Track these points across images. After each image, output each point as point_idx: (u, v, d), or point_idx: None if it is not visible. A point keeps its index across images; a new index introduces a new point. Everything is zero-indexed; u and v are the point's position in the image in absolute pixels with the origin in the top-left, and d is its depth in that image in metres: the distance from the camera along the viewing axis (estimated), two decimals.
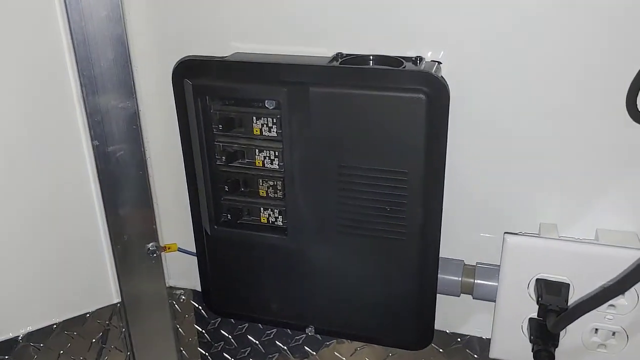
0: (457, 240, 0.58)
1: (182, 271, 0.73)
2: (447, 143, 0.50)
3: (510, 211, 0.56)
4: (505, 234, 0.53)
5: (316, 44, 0.54)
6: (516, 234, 0.54)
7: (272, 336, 0.74)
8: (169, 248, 0.70)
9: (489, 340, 0.58)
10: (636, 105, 0.46)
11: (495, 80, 0.51)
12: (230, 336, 0.76)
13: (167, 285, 0.73)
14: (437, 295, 0.57)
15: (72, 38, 0.56)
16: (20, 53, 0.57)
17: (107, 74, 0.59)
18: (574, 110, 0.50)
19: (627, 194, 0.52)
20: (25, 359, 0.69)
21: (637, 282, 0.38)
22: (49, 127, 0.61)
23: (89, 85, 0.59)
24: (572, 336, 0.54)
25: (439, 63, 0.51)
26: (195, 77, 0.52)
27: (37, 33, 0.57)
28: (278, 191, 0.55)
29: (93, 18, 0.56)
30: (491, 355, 0.57)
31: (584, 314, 0.45)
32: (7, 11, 0.55)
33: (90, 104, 0.60)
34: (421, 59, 0.51)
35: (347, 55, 0.52)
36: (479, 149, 0.54)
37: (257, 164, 0.54)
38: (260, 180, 0.55)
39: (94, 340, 0.73)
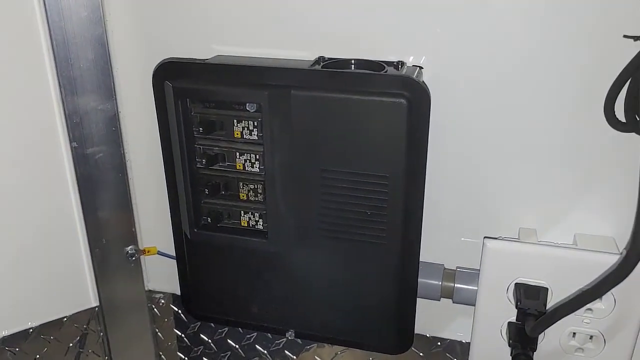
0: (437, 245, 0.59)
1: (161, 275, 0.72)
2: (428, 148, 0.51)
3: (490, 216, 0.57)
4: (485, 239, 0.53)
5: (298, 48, 0.54)
6: (496, 238, 0.54)
7: (252, 340, 0.73)
8: (148, 251, 0.69)
9: (469, 344, 0.58)
10: (614, 111, 0.46)
11: (475, 85, 0.52)
12: (210, 340, 0.75)
13: (146, 289, 0.72)
14: (418, 299, 0.58)
15: (51, 38, 0.56)
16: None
17: (86, 75, 0.59)
18: (555, 117, 0.51)
19: (605, 200, 0.53)
20: None
21: (613, 287, 0.39)
22: (27, 127, 0.60)
23: (68, 86, 0.59)
24: (550, 340, 0.54)
25: (421, 68, 0.52)
26: (176, 79, 0.52)
27: (16, 33, 0.57)
28: (259, 195, 0.55)
29: (73, 18, 0.55)
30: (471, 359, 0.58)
31: (561, 317, 0.45)
32: None
33: (70, 105, 0.60)
34: (403, 63, 0.51)
35: (329, 59, 0.52)
36: (460, 154, 0.55)
37: (237, 167, 0.54)
38: (241, 184, 0.55)
39: (71, 344, 0.72)
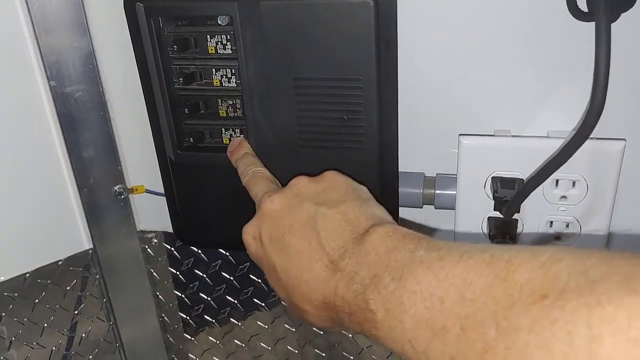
0: (415, 154, 0.60)
1: (151, 214, 0.73)
2: (399, 49, 0.52)
3: (465, 121, 0.58)
4: (460, 136, 0.55)
5: None
6: (471, 134, 0.56)
7: (245, 270, 0.75)
8: (136, 190, 0.70)
9: None
10: (576, 2, 0.48)
11: None
12: (204, 275, 0.77)
13: (137, 229, 0.73)
14: (400, 208, 0.59)
15: None
16: None
17: (58, 11, 0.59)
18: (523, 12, 0.52)
19: (574, 94, 0.54)
20: (1, 309, 0.69)
21: (578, 147, 0.40)
22: (4, 69, 0.61)
23: (41, 25, 0.59)
24: (528, 230, 0.56)
25: None
26: None
27: None
28: (237, 110, 0.56)
29: None
30: None
31: (532, 190, 0.47)
32: None
33: (44, 44, 0.60)
34: None
35: None
36: (430, 59, 0.56)
37: (215, 84, 0.55)
38: (219, 100, 0.56)
39: (68, 287, 0.73)
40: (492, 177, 0.55)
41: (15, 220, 0.67)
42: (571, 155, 0.41)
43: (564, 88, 0.55)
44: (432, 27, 0.55)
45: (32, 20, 0.59)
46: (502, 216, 0.54)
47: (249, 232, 0.47)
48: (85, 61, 0.62)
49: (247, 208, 0.59)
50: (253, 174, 0.51)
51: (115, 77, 0.65)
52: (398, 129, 0.55)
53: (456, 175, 0.57)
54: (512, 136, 0.56)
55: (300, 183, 0.46)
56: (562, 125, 0.56)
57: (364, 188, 0.47)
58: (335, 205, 0.43)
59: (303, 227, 0.42)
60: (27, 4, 0.58)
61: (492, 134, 0.57)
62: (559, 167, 0.42)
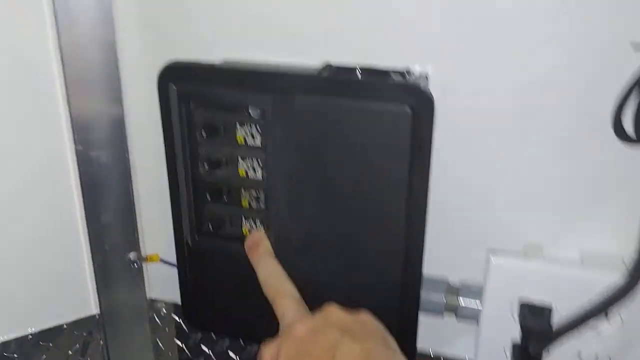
0: (440, 258, 0.57)
1: (163, 283, 0.71)
2: (432, 157, 0.50)
3: (495, 229, 0.55)
4: (490, 253, 0.52)
5: (305, 54, 0.54)
6: (501, 253, 0.53)
7: (253, 354, 0.72)
8: (150, 258, 0.68)
9: None
10: (621, 123, 0.45)
11: (483, 96, 0.51)
12: (210, 352, 0.74)
13: (147, 297, 0.71)
14: (420, 314, 0.56)
15: (59, 39, 0.56)
16: (6, 51, 0.57)
17: (93, 77, 0.59)
18: (562, 130, 0.50)
19: (613, 215, 0.51)
20: None
21: (615, 306, 0.37)
22: (32, 128, 0.60)
23: (74, 87, 0.59)
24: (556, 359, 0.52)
25: (427, 76, 0.51)
26: (180, 81, 0.52)
27: (24, 33, 0.57)
28: (261, 202, 0.54)
29: (82, 19, 0.55)
30: None
31: (564, 336, 0.43)
32: None
33: (75, 107, 0.59)
34: (409, 72, 0.50)
35: (335, 66, 0.52)
36: (464, 165, 0.54)
37: (240, 173, 0.53)
38: (243, 190, 0.54)
39: (70, 352, 0.71)
40: (520, 301, 0.51)
41: (25, 278, 0.65)
42: (608, 312, 0.38)
43: (600, 205, 0.52)
44: (468, 137, 0.53)
45: (65, 82, 0.58)
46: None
47: (269, 352, 0.45)
48: (114, 127, 0.61)
49: (258, 301, 0.57)
50: (281, 290, 0.49)
51: (143, 146, 0.64)
52: (425, 235, 0.52)
53: (481, 286, 0.54)
54: (544, 260, 0.52)
55: (332, 311, 0.45)
56: (598, 245, 0.53)
57: (393, 340, 0.45)
58: (360, 341, 0.41)
59: (322, 354, 0.40)
60: (62, 64, 0.58)
61: (522, 248, 0.54)
62: (594, 321, 0.39)
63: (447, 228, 0.56)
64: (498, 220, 0.54)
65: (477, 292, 0.55)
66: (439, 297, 0.55)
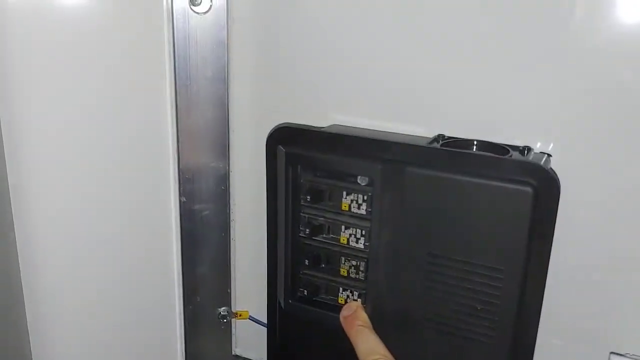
0: (551, 352, 0.52)
1: (250, 341, 0.70)
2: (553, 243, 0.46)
3: (615, 328, 0.50)
4: (612, 355, 0.47)
5: (417, 123, 0.52)
6: (624, 355, 0.47)
7: None
8: (240, 315, 0.68)
9: None
10: None
11: (608, 180, 0.47)
12: None
13: (233, 353, 0.70)
14: None
15: (176, 96, 0.57)
16: (126, 100, 0.59)
17: (204, 133, 0.60)
18: None
19: None
20: None
21: None
22: (142, 178, 0.62)
23: (185, 142, 0.60)
24: None
25: (549, 155, 0.48)
26: (289, 144, 0.51)
27: (144, 86, 0.59)
28: (360, 272, 0.52)
29: (199, 78, 0.57)
30: None
31: None
32: (118, 66, 0.57)
33: (184, 161, 0.61)
34: (529, 149, 0.47)
35: (449, 137, 0.50)
36: (586, 255, 0.49)
37: (341, 241, 0.51)
38: (343, 258, 0.52)
39: None
40: None
41: (117, 322, 0.66)
42: None
43: None
44: (590, 220, 0.48)
45: (178, 137, 0.60)
46: None
47: None
48: (218, 182, 0.62)
49: None
50: None
51: (245, 203, 0.64)
52: (537, 329, 0.48)
53: None
54: None
55: None
56: None
57: None
58: None
59: None
60: (177, 121, 0.59)
61: None
62: None
63: (561, 322, 0.51)
64: (619, 318, 0.49)
65: None
66: None
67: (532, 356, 0.48)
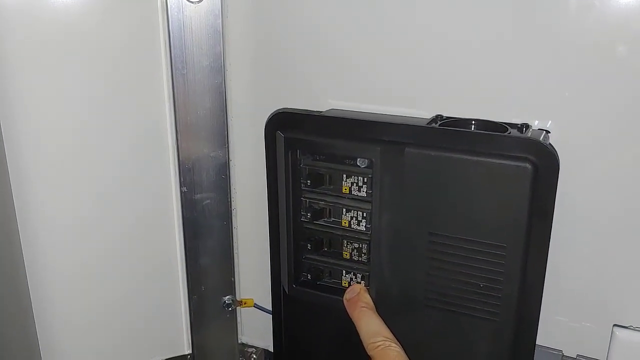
0: (555, 328, 0.52)
1: (255, 328, 0.70)
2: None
3: (619, 301, 0.50)
4: (615, 327, 0.47)
5: (415, 106, 0.52)
6: (627, 327, 0.48)
7: None
8: (245, 303, 0.68)
9: None
10: None
11: (607, 156, 0.47)
12: None
13: (239, 341, 0.71)
14: None
15: (173, 86, 0.57)
16: (123, 92, 0.59)
17: (202, 122, 0.60)
18: None
19: None
20: None
21: None
22: (143, 167, 0.62)
23: (184, 132, 0.60)
24: None
25: (547, 132, 0.48)
26: (287, 129, 0.51)
27: (141, 78, 0.59)
28: (363, 255, 0.52)
29: (195, 67, 0.57)
30: None
31: None
32: (114, 56, 0.57)
33: (184, 151, 0.61)
34: (528, 126, 0.47)
35: (447, 117, 0.50)
36: (587, 228, 0.49)
37: (343, 224, 0.52)
38: (345, 242, 0.52)
39: None
40: None
41: (123, 314, 0.67)
42: None
43: None
44: (591, 196, 0.48)
45: (176, 127, 0.60)
46: None
47: None
48: (219, 171, 0.62)
49: (352, 355, 0.55)
50: (386, 349, 0.46)
51: (245, 191, 0.64)
52: (541, 305, 0.48)
53: None
54: None
55: None
56: None
57: None
58: None
59: None
60: (174, 110, 0.59)
61: None
62: None
63: (564, 297, 0.52)
64: (624, 292, 0.49)
65: None
66: None
67: (536, 333, 0.49)
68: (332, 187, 0.51)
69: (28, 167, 0.57)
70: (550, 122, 0.48)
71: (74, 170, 0.59)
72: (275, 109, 0.54)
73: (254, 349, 0.72)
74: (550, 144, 0.45)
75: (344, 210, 0.51)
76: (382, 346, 0.46)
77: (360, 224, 0.51)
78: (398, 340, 0.48)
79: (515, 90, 0.49)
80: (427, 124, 0.48)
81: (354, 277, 0.53)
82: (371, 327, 0.49)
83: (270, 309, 0.61)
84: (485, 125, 0.48)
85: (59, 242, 0.61)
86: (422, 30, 0.51)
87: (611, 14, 0.44)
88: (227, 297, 0.67)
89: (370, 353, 0.47)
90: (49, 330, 0.64)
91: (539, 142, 0.44)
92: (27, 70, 0.55)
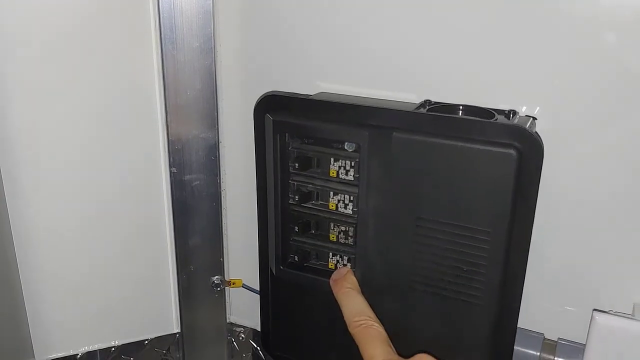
0: (537, 311, 0.53)
1: (244, 308, 0.71)
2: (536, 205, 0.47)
3: (599, 285, 0.51)
4: (594, 312, 0.48)
5: (404, 90, 0.52)
6: (606, 312, 0.48)
7: None
8: (233, 283, 0.69)
9: None
10: None
11: (592, 142, 0.47)
12: None
13: (227, 321, 0.71)
14: None
15: (163, 67, 0.57)
16: (112, 74, 0.59)
17: (193, 103, 0.60)
18: None
19: None
20: None
21: None
22: (132, 149, 0.62)
23: (174, 113, 0.60)
24: None
25: (534, 119, 0.48)
26: (276, 112, 0.52)
27: (131, 58, 0.59)
28: (349, 237, 0.53)
29: (185, 48, 0.57)
30: None
31: None
32: (104, 36, 0.57)
33: (173, 132, 0.61)
34: (515, 112, 0.47)
35: (436, 103, 0.50)
36: (570, 214, 0.50)
37: (330, 207, 0.52)
38: (332, 224, 0.53)
39: None
40: None
41: (113, 293, 0.67)
42: None
43: None
44: (576, 182, 0.49)
45: (166, 108, 0.60)
46: None
47: None
48: (208, 152, 0.62)
49: (338, 336, 0.55)
50: (367, 328, 0.47)
51: (235, 172, 0.64)
52: (523, 289, 0.49)
53: (581, 344, 0.50)
54: None
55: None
56: None
57: None
58: None
59: None
60: (164, 91, 0.59)
61: (632, 307, 0.50)
62: None
63: (546, 281, 0.52)
64: (604, 277, 0.50)
65: (574, 351, 0.51)
66: (534, 354, 0.51)
67: (518, 317, 0.50)
68: (319, 170, 0.52)
69: (18, 143, 0.57)
70: (538, 108, 0.49)
71: (63, 150, 0.60)
72: (265, 92, 0.54)
73: (242, 329, 0.73)
74: (536, 132, 0.46)
75: (332, 193, 0.52)
76: (364, 325, 0.47)
77: (347, 207, 0.51)
78: (382, 322, 0.48)
79: (504, 76, 0.49)
80: (415, 109, 0.49)
81: (340, 259, 0.54)
82: (354, 307, 0.49)
83: (259, 290, 0.62)
84: (473, 111, 0.48)
85: (47, 221, 0.62)
86: (414, 15, 0.51)
87: (600, 1, 0.44)
88: (216, 277, 0.67)
89: (352, 332, 0.48)
90: (37, 310, 0.64)
91: (524, 128, 0.44)
92: (16, 56, 0.54)
